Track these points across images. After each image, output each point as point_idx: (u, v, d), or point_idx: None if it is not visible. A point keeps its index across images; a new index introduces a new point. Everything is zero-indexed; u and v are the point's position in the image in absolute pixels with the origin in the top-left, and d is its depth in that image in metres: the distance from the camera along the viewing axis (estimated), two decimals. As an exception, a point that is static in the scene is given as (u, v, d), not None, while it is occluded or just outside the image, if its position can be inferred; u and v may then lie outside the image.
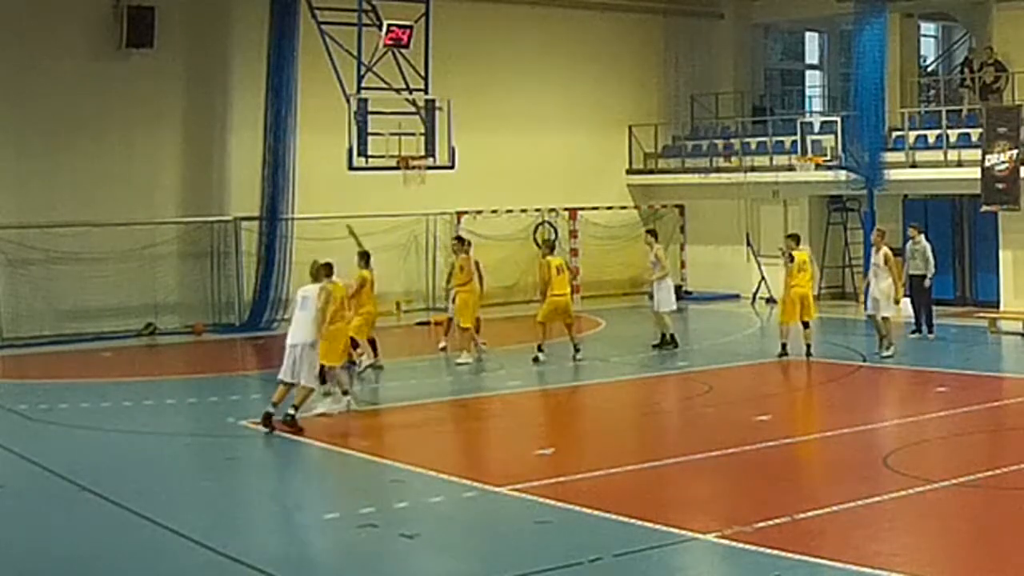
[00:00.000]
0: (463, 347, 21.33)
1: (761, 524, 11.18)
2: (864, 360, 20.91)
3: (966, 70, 29.61)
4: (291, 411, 16.10)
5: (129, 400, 18.76)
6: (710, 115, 33.43)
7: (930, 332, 23.73)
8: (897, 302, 21.41)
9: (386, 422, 17.40)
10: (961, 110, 28.40)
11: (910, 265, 24.18)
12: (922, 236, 24.19)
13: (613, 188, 33.03)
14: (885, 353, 20.88)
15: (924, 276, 23.77)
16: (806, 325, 21.22)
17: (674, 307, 22.99)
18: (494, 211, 30.42)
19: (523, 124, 31.08)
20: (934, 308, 24.22)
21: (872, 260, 21.74)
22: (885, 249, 21.40)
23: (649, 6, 33.28)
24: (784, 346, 21.17)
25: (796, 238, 22.17)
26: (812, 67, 38.09)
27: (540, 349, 21.19)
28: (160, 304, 26.69)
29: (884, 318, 21.07)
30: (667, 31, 33.68)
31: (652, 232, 23.69)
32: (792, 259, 21.29)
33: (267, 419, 16.08)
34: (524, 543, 11.32)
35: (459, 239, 23.34)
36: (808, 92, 37.89)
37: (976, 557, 10.60)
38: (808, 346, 21.11)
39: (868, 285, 21.59)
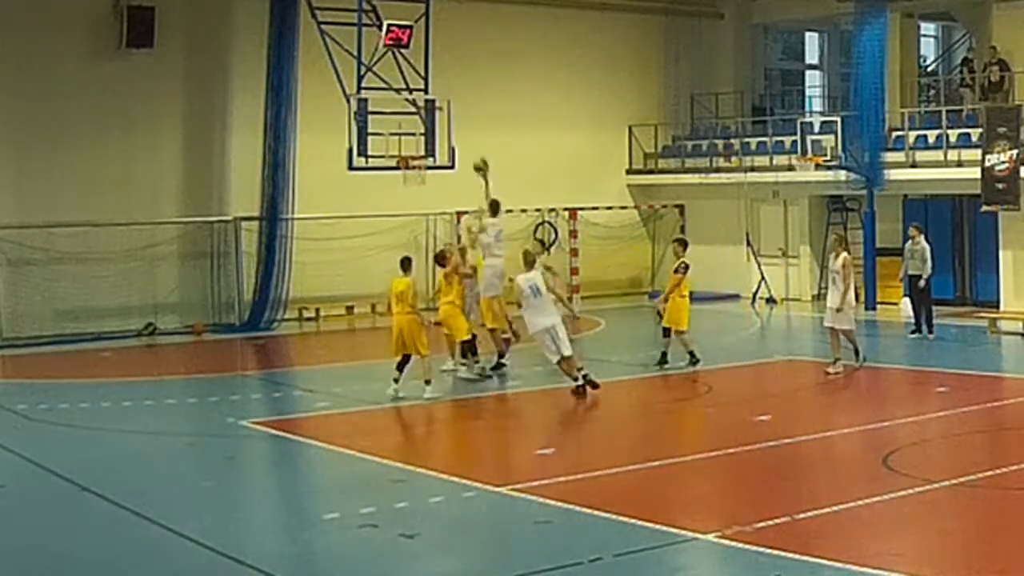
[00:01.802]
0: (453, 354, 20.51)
1: (761, 524, 11.18)
2: (864, 360, 20.88)
3: (965, 70, 29.61)
4: (580, 376, 18.03)
5: (129, 400, 18.77)
6: (710, 115, 33.44)
7: (930, 332, 23.72)
8: (838, 310, 19.54)
9: (386, 422, 17.41)
10: (961, 110, 28.40)
11: (909, 265, 24.22)
12: (922, 236, 24.20)
13: (613, 188, 33.05)
14: (831, 370, 19.54)
15: (919, 276, 23.76)
16: (680, 333, 20.61)
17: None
18: (494, 211, 30.34)
19: (523, 124, 31.08)
20: (934, 308, 24.22)
21: (831, 267, 20.20)
22: (844, 255, 19.88)
23: (649, 6, 33.30)
24: (665, 354, 20.52)
25: (685, 244, 21.36)
26: (812, 67, 38.12)
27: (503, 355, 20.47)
28: (160, 304, 26.71)
29: (837, 329, 19.76)
30: (667, 31, 33.71)
31: (542, 242, 22.50)
32: (687, 269, 20.59)
33: (579, 390, 17.97)
34: (524, 543, 11.33)
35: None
36: (808, 92, 37.93)
37: (976, 557, 10.60)
38: (692, 352, 20.53)
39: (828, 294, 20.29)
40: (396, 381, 18.21)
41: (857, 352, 20.07)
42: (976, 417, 16.38)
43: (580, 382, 18.12)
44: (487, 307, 20.40)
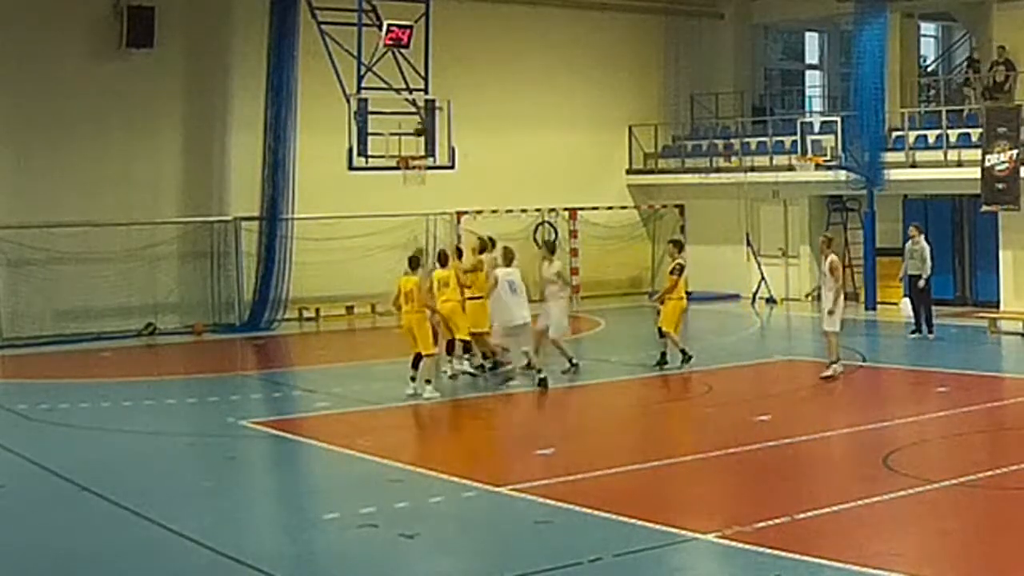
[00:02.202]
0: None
1: (761, 524, 11.18)
2: (864, 360, 20.88)
3: (970, 70, 29.53)
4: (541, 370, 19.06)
5: (129, 400, 18.77)
6: (710, 115, 33.44)
7: (930, 332, 23.71)
8: (831, 312, 19.10)
9: (386, 422, 17.40)
10: (963, 110, 28.37)
11: (909, 265, 24.20)
12: (922, 236, 24.20)
13: (613, 188, 33.05)
14: (825, 372, 19.16)
15: (920, 276, 23.75)
16: (668, 335, 20.57)
17: (567, 331, 20.86)
18: (494, 211, 30.43)
19: (523, 124, 31.09)
20: (934, 308, 24.21)
21: (821, 269, 20.13)
22: (832, 257, 19.42)
23: (649, 6, 33.30)
24: (664, 354, 20.54)
25: (680, 245, 21.23)
26: (812, 67, 38.12)
27: (486, 357, 20.10)
28: (160, 304, 26.71)
29: (827, 332, 19.28)
30: (667, 31, 33.71)
31: (549, 244, 21.77)
32: (682, 270, 20.48)
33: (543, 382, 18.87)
34: (524, 543, 11.33)
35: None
36: (808, 92, 37.93)
37: (976, 557, 10.60)
38: (677, 352, 20.50)
39: (819, 298, 19.78)
40: (413, 380, 18.29)
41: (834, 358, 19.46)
42: (976, 417, 16.38)
43: (543, 375, 18.97)
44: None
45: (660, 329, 20.75)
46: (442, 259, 19.57)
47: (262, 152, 27.10)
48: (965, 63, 30.85)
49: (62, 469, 14.23)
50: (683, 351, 20.45)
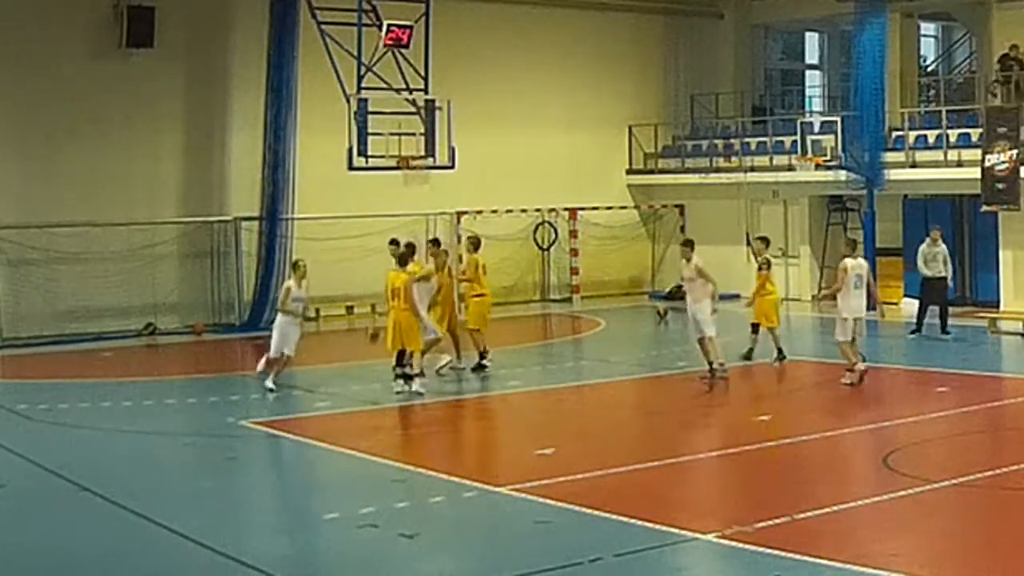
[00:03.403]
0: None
1: (761, 524, 11.18)
2: (864, 360, 20.86)
3: (998, 66, 29.21)
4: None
5: (129, 400, 18.77)
6: (710, 115, 33.44)
7: (944, 332, 23.61)
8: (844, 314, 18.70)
9: (386, 422, 17.41)
10: (972, 109, 28.22)
11: (931, 267, 23.96)
12: (941, 239, 24.12)
13: (613, 188, 33.05)
14: (845, 380, 18.73)
15: (944, 277, 23.70)
16: (771, 329, 21.04)
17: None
18: (494, 211, 30.42)
19: (523, 124, 31.09)
20: (932, 308, 24.15)
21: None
22: (842, 261, 18.96)
23: (649, 6, 33.31)
24: (781, 350, 20.93)
25: (767, 241, 21.57)
26: (812, 67, 38.13)
27: (484, 355, 20.35)
28: (160, 304, 26.71)
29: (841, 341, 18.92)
30: (667, 31, 33.73)
31: (690, 243, 20.53)
32: (770, 265, 20.97)
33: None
34: (524, 543, 11.33)
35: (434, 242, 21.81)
36: (808, 92, 37.92)
37: (976, 557, 10.60)
38: (780, 349, 20.96)
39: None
40: (398, 378, 18.26)
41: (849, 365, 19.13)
42: (976, 417, 16.39)
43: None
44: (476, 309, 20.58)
45: (754, 324, 21.03)
46: (403, 259, 18.83)
47: (262, 152, 27.11)
48: (996, 62, 30.32)
49: (62, 469, 14.23)
50: (780, 349, 20.80)
